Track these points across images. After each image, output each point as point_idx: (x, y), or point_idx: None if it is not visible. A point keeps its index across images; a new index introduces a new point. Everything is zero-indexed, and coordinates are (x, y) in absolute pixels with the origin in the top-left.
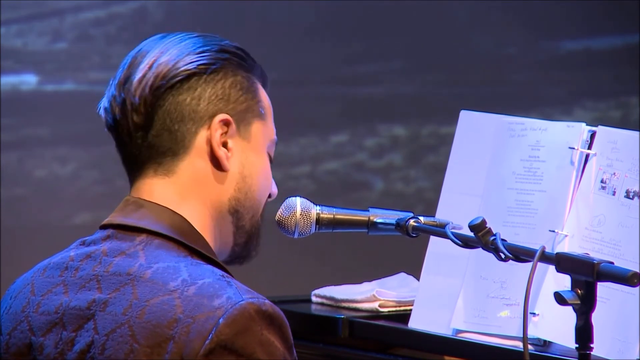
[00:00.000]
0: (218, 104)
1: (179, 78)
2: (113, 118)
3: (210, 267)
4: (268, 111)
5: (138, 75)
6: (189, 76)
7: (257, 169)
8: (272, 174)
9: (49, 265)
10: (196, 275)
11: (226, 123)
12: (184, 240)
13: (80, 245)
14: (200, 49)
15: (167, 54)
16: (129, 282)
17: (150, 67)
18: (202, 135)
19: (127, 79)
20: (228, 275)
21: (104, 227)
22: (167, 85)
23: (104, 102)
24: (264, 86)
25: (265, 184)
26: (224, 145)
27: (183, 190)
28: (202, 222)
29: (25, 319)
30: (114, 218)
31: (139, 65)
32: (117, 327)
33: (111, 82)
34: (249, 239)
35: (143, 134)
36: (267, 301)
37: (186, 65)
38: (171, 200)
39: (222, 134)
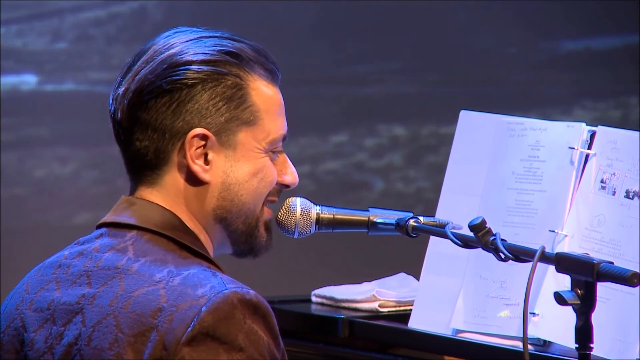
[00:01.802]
0: (194, 119)
1: (155, 95)
2: (111, 125)
3: (197, 260)
4: (264, 112)
5: (123, 87)
6: (166, 92)
7: (244, 174)
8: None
9: (43, 265)
10: (182, 267)
11: (203, 137)
12: (173, 236)
13: (75, 244)
14: (184, 60)
15: (151, 63)
16: (116, 275)
17: (133, 79)
18: (178, 150)
19: (118, 86)
20: (215, 268)
21: (99, 226)
22: (143, 102)
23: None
24: (273, 80)
25: (260, 184)
26: (205, 157)
27: (169, 200)
28: (192, 226)
29: (19, 316)
30: (108, 217)
31: (130, 72)
32: (103, 318)
33: (117, 78)
34: (248, 238)
35: (127, 147)
36: (251, 291)
37: (164, 80)
38: (161, 203)
39: (199, 148)
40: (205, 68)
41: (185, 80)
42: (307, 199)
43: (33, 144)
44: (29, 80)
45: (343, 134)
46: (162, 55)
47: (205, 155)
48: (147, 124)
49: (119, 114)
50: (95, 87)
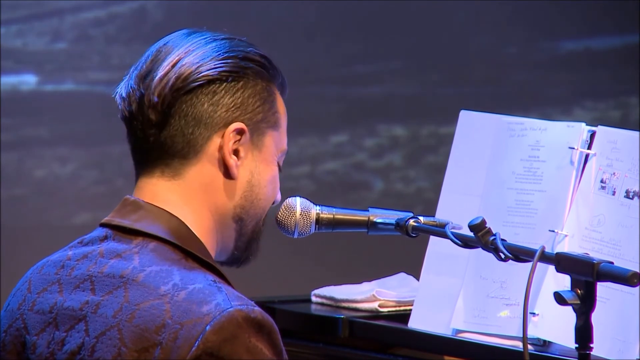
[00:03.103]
0: (235, 112)
1: (200, 82)
2: (130, 110)
3: (203, 271)
4: (283, 122)
5: (160, 73)
6: (210, 82)
7: (265, 178)
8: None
9: (46, 263)
10: (187, 280)
11: (240, 132)
12: (180, 244)
13: (78, 244)
14: (225, 55)
15: (191, 54)
16: (121, 284)
17: (173, 66)
18: (214, 142)
19: (148, 74)
20: (220, 280)
21: (103, 225)
22: (187, 88)
23: (121, 91)
24: (283, 94)
25: (271, 193)
26: (236, 153)
27: (188, 195)
28: (203, 226)
29: (21, 316)
30: (113, 218)
31: (162, 62)
32: (107, 329)
33: (132, 70)
34: (248, 244)
35: (156, 132)
36: (256, 308)
37: (209, 70)
38: (173, 203)
39: (234, 142)
40: (249, 64)
41: (232, 73)
42: (307, 199)
43: (33, 144)
44: (28, 80)
45: (343, 134)
46: (202, 49)
47: (236, 151)
48: (186, 111)
49: (155, 98)
50: (95, 87)
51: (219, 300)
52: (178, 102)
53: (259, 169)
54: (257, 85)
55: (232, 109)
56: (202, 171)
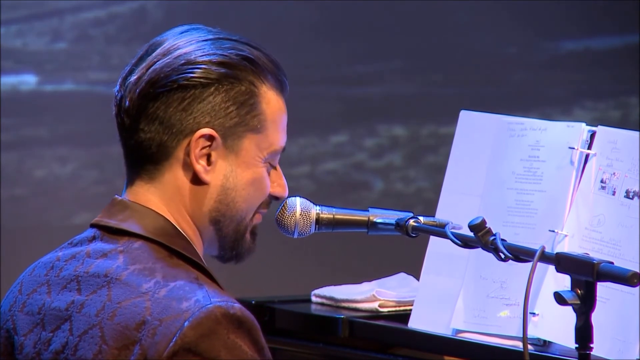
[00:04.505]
0: (204, 118)
1: (169, 89)
2: (114, 111)
3: (186, 268)
4: (271, 122)
5: (135, 76)
6: (179, 88)
7: (243, 181)
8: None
9: (38, 265)
10: (169, 278)
11: (209, 138)
12: (164, 242)
13: (68, 245)
14: (201, 59)
15: (168, 57)
16: (105, 284)
17: (147, 69)
18: (183, 147)
19: (129, 74)
20: (204, 278)
21: (92, 226)
22: (155, 94)
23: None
24: (282, 92)
25: (255, 194)
26: (208, 157)
27: (165, 197)
28: (185, 226)
29: (11, 317)
30: (101, 219)
31: (143, 62)
32: (89, 328)
33: (123, 68)
34: (234, 243)
35: (130, 136)
36: (236, 305)
37: (179, 76)
38: (154, 204)
39: (204, 148)
40: (222, 70)
41: (201, 79)
42: (307, 199)
43: (33, 144)
44: (28, 80)
45: (343, 134)
46: (180, 51)
47: (208, 156)
48: (155, 117)
49: (127, 102)
50: (95, 87)
51: (198, 297)
52: (147, 107)
53: (236, 173)
54: (232, 90)
55: (202, 114)
56: (175, 176)
